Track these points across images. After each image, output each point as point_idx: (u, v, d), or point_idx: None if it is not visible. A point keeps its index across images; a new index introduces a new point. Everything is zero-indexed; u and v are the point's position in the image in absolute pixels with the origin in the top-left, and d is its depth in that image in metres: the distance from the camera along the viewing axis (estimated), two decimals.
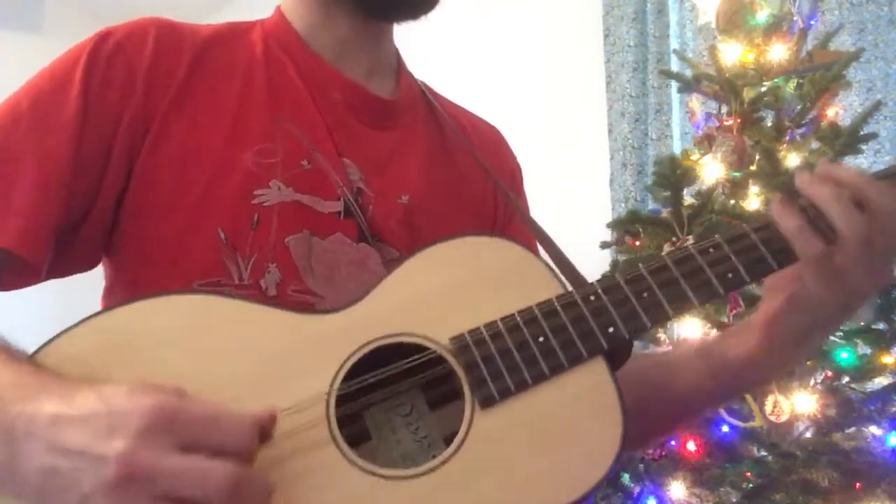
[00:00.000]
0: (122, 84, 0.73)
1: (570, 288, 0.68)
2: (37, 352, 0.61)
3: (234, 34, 0.84)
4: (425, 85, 0.95)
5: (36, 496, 0.51)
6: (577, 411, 0.62)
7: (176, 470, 0.49)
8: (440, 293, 0.66)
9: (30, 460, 0.51)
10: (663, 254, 0.69)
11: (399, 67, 0.92)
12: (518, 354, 0.63)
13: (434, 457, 0.61)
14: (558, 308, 0.65)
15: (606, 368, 0.64)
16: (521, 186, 1.00)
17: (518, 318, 0.64)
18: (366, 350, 0.63)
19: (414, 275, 0.67)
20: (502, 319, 0.64)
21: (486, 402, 0.61)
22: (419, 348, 0.64)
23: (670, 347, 1.63)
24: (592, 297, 0.66)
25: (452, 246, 0.69)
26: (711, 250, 0.67)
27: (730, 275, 0.66)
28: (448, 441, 0.62)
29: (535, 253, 0.72)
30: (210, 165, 0.74)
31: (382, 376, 0.63)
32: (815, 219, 0.66)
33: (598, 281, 0.68)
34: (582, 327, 0.64)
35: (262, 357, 0.62)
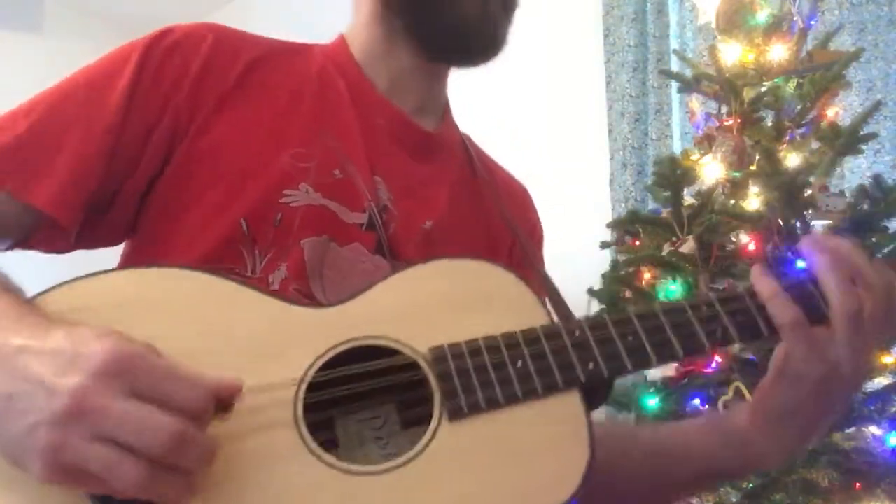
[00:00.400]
0: (174, 77, 0.77)
1: (558, 321, 0.68)
2: (35, 298, 0.62)
3: (293, 52, 0.88)
4: (467, 135, 0.99)
5: None
6: (543, 438, 0.62)
7: (121, 413, 0.50)
8: (429, 306, 0.67)
9: None
10: (656, 305, 0.69)
11: (445, 112, 0.96)
12: (493, 373, 0.63)
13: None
14: (541, 336, 0.65)
15: (580, 401, 0.64)
16: (541, 245, 1.02)
17: (500, 340, 0.65)
18: (346, 346, 0.63)
19: (409, 284, 0.68)
20: (484, 338, 0.65)
21: (455, 415, 0.61)
22: (397, 355, 0.64)
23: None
24: (577, 332, 0.66)
25: (452, 264, 0.70)
26: (704, 308, 0.67)
27: (719, 333, 0.67)
28: None
29: (539, 295, 0.73)
30: (246, 160, 0.77)
31: (357, 371, 0.63)
32: (797, 289, 0.66)
33: (585, 318, 0.68)
34: (562, 358, 0.64)
35: (243, 337, 0.62)
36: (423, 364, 0.63)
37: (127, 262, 0.81)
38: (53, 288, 0.62)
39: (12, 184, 0.71)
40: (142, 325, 0.59)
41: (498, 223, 0.93)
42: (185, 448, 0.51)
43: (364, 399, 0.65)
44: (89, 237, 0.78)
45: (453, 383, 0.62)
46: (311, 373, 0.61)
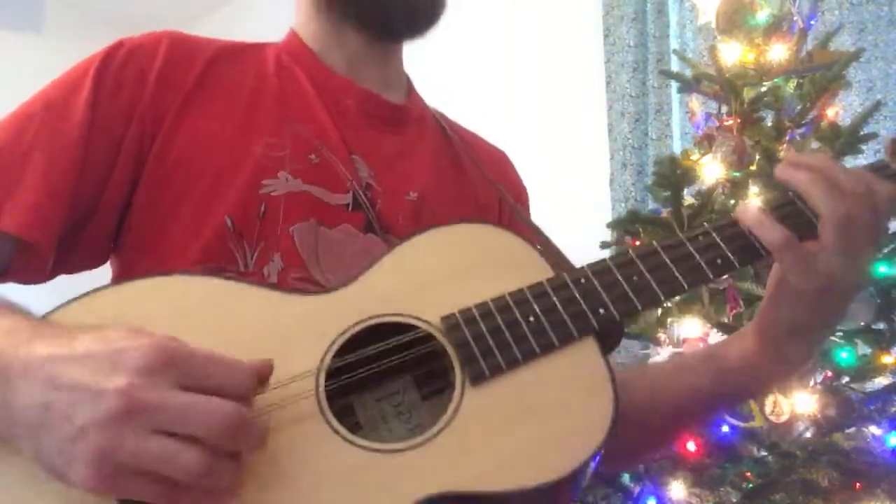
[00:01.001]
0: (133, 86, 0.76)
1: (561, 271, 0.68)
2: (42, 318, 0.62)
3: (247, 49, 0.87)
4: (437, 110, 0.98)
5: (28, 433, 0.52)
6: (568, 388, 0.62)
7: (177, 405, 0.50)
8: (432, 276, 0.67)
9: (25, 398, 0.51)
10: (654, 242, 0.70)
11: (410, 88, 0.96)
12: (508, 333, 0.63)
13: None
14: (549, 290, 0.66)
15: (597, 348, 0.64)
16: (527, 207, 1.01)
17: (509, 299, 0.65)
18: (357, 329, 0.63)
19: (407, 257, 0.68)
20: (493, 300, 0.65)
21: (477, 380, 0.61)
22: (411, 328, 0.64)
23: (672, 348, 1.63)
24: (583, 280, 0.66)
25: (446, 231, 0.69)
26: (701, 237, 0.68)
27: (719, 260, 0.67)
28: None
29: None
30: (219, 158, 0.76)
31: (373, 352, 0.63)
32: (785, 209, 0.68)
33: (588, 265, 0.68)
34: (573, 308, 0.65)
35: (257, 334, 0.62)
36: (437, 335, 0.63)
37: (121, 277, 0.80)
38: (60, 306, 0.62)
39: None
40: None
41: (483, 186, 0.92)
42: (241, 431, 0.51)
43: (380, 376, 0.64)
44: (69, 261, 0.76)
45: (471, 349, 0.62)
46: (328, 360, 0.61)
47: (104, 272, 0.81)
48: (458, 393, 0.61)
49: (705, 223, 0.70)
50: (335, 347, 0.62)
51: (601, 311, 0.65)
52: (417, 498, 0.56)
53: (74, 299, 0.62)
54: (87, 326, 0.55)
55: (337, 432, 0.59)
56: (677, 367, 0.85)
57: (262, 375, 0.56)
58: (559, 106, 2.79)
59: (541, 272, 0.67)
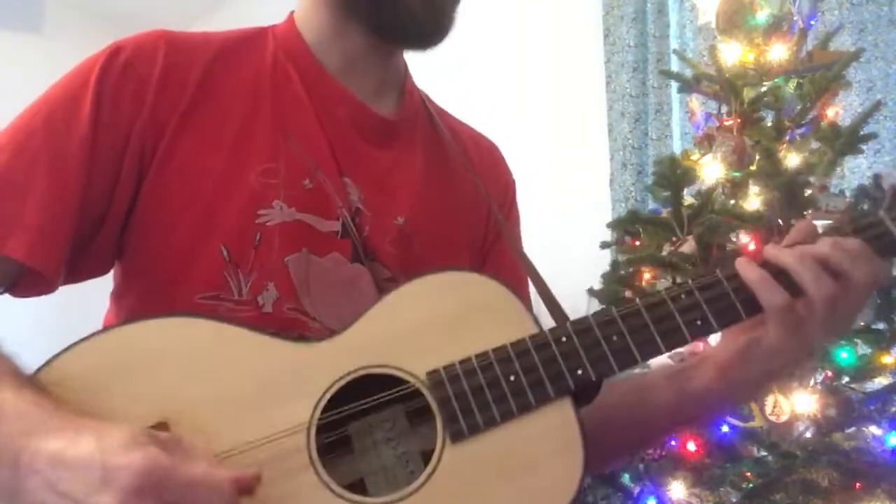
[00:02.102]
0: (133, 98, 0.76)
1: (544, 328, 0.71)
2: (41, 368, 0.65)
3: (245, 44, 0.86)
4: (428, 98, 0.97)
5: None
6: (540, 449, 0.66)
7: None
8: (420, 327, 0.69)
9: (30, 493, 0.55)
10: (637, 300, 0.72)
11: (405, 83, 0.94)
12: (489, 392, 0.66)
13: (411, 472, 0.67)
14: (531, 348, 0.68)
15: (572, 409, 0.67)
16: (514, 200, 1.02)
17: (492, 356, 0.68)
18: (347, 380, 0.66)
19: (397, 307, 0.71)
20: (477, 357, 0.68)
21: (456, 437, 0.65)
22: (398, 381, 0.67)
23: (667, 357, 1.63)
24: (564, 339, 0.69)
25: (434, 281, 0.72)
26: (683, 297, 0.71)
27: (698, 322, 0.70)
28: (424, 456, 0.67)
29: (518, 277, 0.76)
30: (215, 183, 0.77)
31: (359, 409, 0.67)
32: (779, 278, 0.69)
33: (571, 322, 0.71)
34: (552, 368, 0.68)
35: (251, 382, 0.66)
36: (424, 391, 0.67)
37: (121, 286, 0.82)
38: (63, 352, 0.65)
39: None
40: (152, 380, 0.64)
41: (472, 196, 0.93)
42: None
43: (373, 407, 0.68)
44: (75, 272, 0.78)
45: (452, 407, 0.66)
46: (318, 414, 0.65)
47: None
48: (439, 449, 0.65)
49: (690, 281, 0.72)
50: (325, 400, 0.65)
51: (579, 372, 0.68)
52: None
53: (81, 341, 0.65)
54: (90, 421, 0.58)
55: (328, 486, 0.62)
56: (643, 383, 0.87)
57: (248, 487, 0.58)
58: (559, 106, 2.79)
59: (524, 325, 0.70)
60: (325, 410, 0.65)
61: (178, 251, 0.76)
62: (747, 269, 0.70)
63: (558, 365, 0.68)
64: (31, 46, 3.64)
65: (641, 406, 0.83)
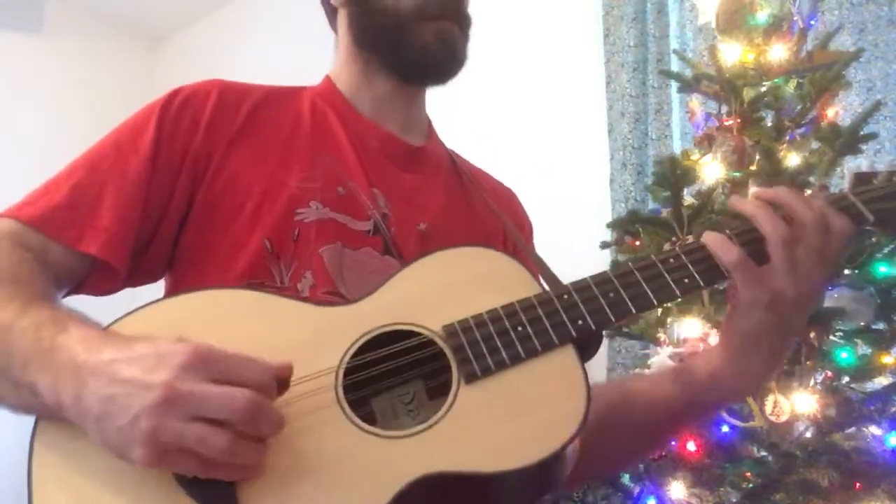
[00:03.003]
0: (188, 129, 0.90)
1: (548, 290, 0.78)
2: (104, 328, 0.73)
3: (287, 94, 1.00)
4: (451, 150, 1.10)
5: (95, 420, 0.63)
6: (547, 387, 0.72)
7: (206, 395, 0.60)
8: (437, 291, 0.77)
9: (93, 392, 0.63)
10: (629, 263, 0.79)
11: (430, 130, 1.08)
12: (498, 339, 0.73)
13: None
14: (535, 303, 0.76)
15: (574, 354, 0.74)
16: (531, 238, 1.10)
17: (500, 311, 0.75)
18: (372, 335, 0.74)
19: (415, 275, 0.79)
20: (487, 312, 0.75)
21: (470, 378, 0.71)
22: (417, 335, 0.75)
23: (671, 349, 1.63)
24: (566, 296, 0.77)
25: (450, 253, 0.80)
26: (671, 260, 0.79)
27: (686, 280, 0.78)
28: None
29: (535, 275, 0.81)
30: (261, 189, 0.89)
31: (383, 353, 0.73)
32: (744, 236, 0.78)
33: (571, 283, 0.78)
34: (555, 319, 0.75)
35: (285, 341, 0.73)
36: (438, 340, 0.74)
37: (172, 290, 0.91)
38: (123, 316, 0.73)
39: (67, 237, 0.82)
40: (201, 340, 0.68)
41: (489, 220, 1.03)
42: (260, 415, 0.62)
43: (394, 378, 0.75)
44: (133, 277, 0.89)
45: (466, 352, 0.72)
46: (346, 359, 0.72)
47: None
48: (454, 390, 0.71)
49: (676, 247, 0.79)
50: (353, 350, 0.73)
51: (580, 322, 0.75)
52: (414, 476, 0.66)
53: (134, 310, 0.74)
54: (143, 336, 0.67)
55: (350, 419, 0.69)
56: (649, 380, 0.93)
57: (281, 376, 0.66)
58: (559, 106, 2.79)
59: (531, 289, 0.77)
60: (352, 361, 0.72)
61: (228, 247, 0.87)
62: (707, 235, 0.79)
63: (560, 316, 0.75)
64: (31, 46, 3.64)
65: (650, 406, 0.88)
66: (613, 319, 0.76)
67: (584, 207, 2.58)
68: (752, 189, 0.81)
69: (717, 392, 0.85)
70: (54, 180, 0.87)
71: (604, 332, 0.78)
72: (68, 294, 0.86)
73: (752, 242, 0.77)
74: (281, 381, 0.66)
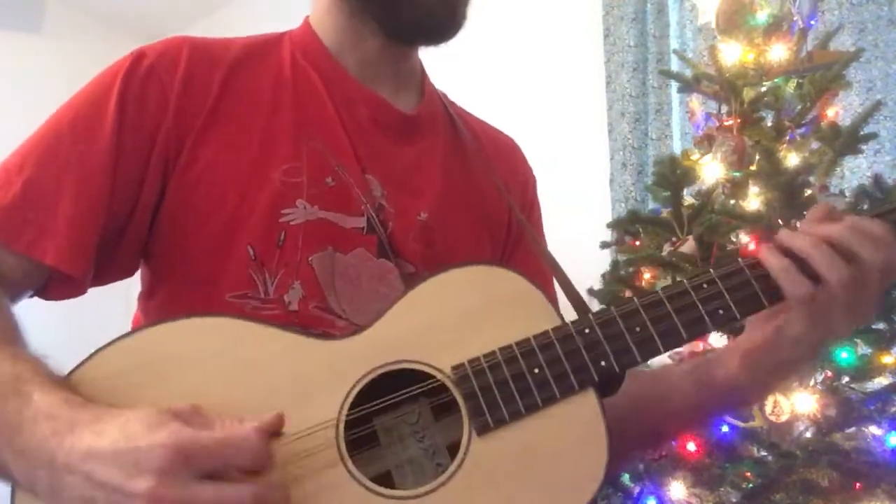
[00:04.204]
0: (156, 104, 0.78)
1: (567, 320, 0.71)
2: (72, 372, 0.66)
3: (264, 48, 0.88)
4: (446, 98, 0.99)
5: None
6: (565, 441, 0.66)
7: (200, 500, 0.54)
8: (444, 322, 0.70)
9: (70, 490, 0.57)
10: (658, 289, 0.71)
11: (423, 81, 0.96)
12: (513, 385, 0.67)
13: (438, 464, 0.68)
14: (554, 340, 0.68)
15: (596, 400, 0.67)
16: (535, 196, 1.03)
17: (516, 350, 0.68)
18: (373, 375, 0.67)
19: (422, 302, 0.71)
20: (501, 350, 0.68)
21: (483, 430, 0.65)
22: (424, 375, 0.68)
23: (667, 357, 1.63)
24: (587, 331, 0.69)
25: (459, 274, 0.72)
26: (706, 286, 0.70)
27: (721, 311, 0.69)
28: (450, 448, 0.67)
29: (543, 275, 0.77)
30: (240, 184, 0.78)
31: (386, 403, 0.67)
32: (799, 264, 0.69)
33: (594, 313, 0.71)
34: (575, 360, 0.68)
35: (278, 380, 0.66)
36: (450, 385, 0.67)
37: (149, 287, 0.83)
38: (90, 358, 0.66)
39: (19, 244, 0.73)
40: (179, 381, 0.64)
41: (493, 194, 0.94)
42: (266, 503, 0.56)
43: (399, 401, 0.69)
44: (102, 275, 0.79)
45: (479, 401, 0.66)
46: (346, 409, 0.65)
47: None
48: (465, 442, 0.65)
49: (711, 269, 0.71)
50: (352, 396, 0.66)
51: (602, 363, 0.68)
52: None
53: (106, 345, 0.66)
54: (113, 409, 0.60)
55: (358, 481, 0.63)
56: (662, 379, 0.88)
57: (273, 430, 0.60)
58: (559, 106, 2.79)
59: (547, 318, 0.70)
60: (352, 406, 0.66)
61: (207, 251, 0.78)
62: (770, 258, 0.69)
63: (581, 357, 0.68)
64: (31, 46, 3.63)
65: (659, 401, 0.83)
66: (640, 360, 0.69)
67: (584, 207, 2.58)
68: (810, 219, 0.73)
69: (728, 401, 0.82)
70: (4, 172, 0.75)
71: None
72: (31, 296, 0.77)
73: (808, 273, 0.69)
74: (274, 435, 0.60)
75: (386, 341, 0.69)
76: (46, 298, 0.78)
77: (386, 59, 0.89)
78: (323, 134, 0.83)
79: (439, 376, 0.67)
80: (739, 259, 0.71)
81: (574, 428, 0.66)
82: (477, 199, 0.93)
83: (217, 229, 0.78)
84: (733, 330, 1.50)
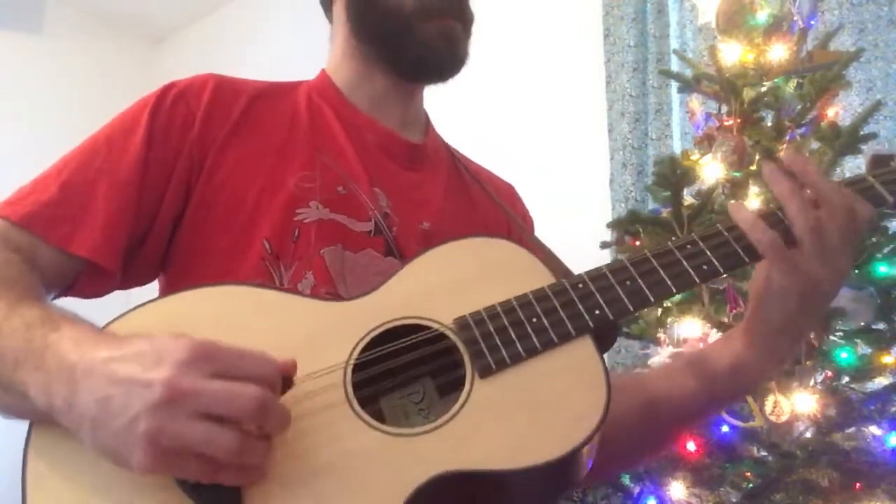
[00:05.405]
0: (182, 122, 0.87)
1: (562, 279, 0.75)
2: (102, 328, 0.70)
3: (282, 89, 0.98)
4: (450, 145, 1.08)
5: (91, 424, 0.59)
6: (565, 380, 0.68)
7: (211, 391, 0.57)
8: (446, 284, 0.74)
9: (88, 393, 0.59)
10: (646, 251, 0.76)
11: (428, 126, 1.05)
12: (513, 331, 0.70)
13: None
14: (549, 294, 0.73)
15: (593, 345, 0.70)
16: (533, 233, 1.06)
17: (514, 302, 0.72)
18: (381, 329, 0.71)
19: (424, 268, 0.76)
20: (500, 303, 0.72)
21: (484, 372, 0.68)
22: (427, 329, 0.71)
23: (671, 349, 1.63)
24: (580, 285, 0.74)
25: (458, 244, 0.77)
26: (688, 246, 0.75)
27: (704, 266, 0.74)
28: None
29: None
30: (258, 187, 0.86)
31: (395, 347, 0.70)
32: (771, 218, 0.74)
33: (586, 272, 0.75)
34: (571, 309, 0.72)
35: (291, 336, 0.70)
36: (450, 334, 0.71)
37: (167, 292, 0.87)
38: (116, 319, 0.70)
39: (55, 237, 0.79)
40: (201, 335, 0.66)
41: (493, 215, 1.01)
42: (267, 412, 0.59)
43: (403, 376, 0.72)
44: (125, 278, 0.85)
45: (479, 346, 0.69)
46: (355, 355, 0.69)
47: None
48: (468, 384, 0.68)
49: (693, 233, 0.75)
50: (361, 345, 0.70)
51: (597, 311, 0.72)
52: (429, 475, 0.62)
53: (130, 310, 0.71)
54: (138, 333, 0.63)
55: (360, 417, 0.66)
56: (667, 374, 0.90)
57: (286, 372, 0.63)
58: (559, 106, 2.79)
59: (543, 278, 0.74)
60: (359, 366, 0.69)
61: (225, 248, 0.84)
62: (737, 211, 0.74)
63: (576, 306, 0.71)
64: (31, 46, 3.63)
65: (673, 411, 0.85)
66: (632, 308, 0.72)
67: (584, 207, 2.58)
68: (785, 154, 0.78)
69: (740, 383, 0.83)
70: (44, 176, 0.83)
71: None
72: (59, 296, 0.82)
73: (777, 225, 0.73)
74: (286, 378, 0.63)
75: (392, 301, 0.73)
76: (75, 294, 0.83)
77: (394, 98, 0.98)
78: (334, 153, 0.92)
79: (440, 327, 0.71)
80: (718, 224, 0.76)
81: (573, 369, 0.69)
82: (478, 217, 1.00)
83: (236, 228, 0.84)
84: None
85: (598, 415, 0.65)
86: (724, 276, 0.75)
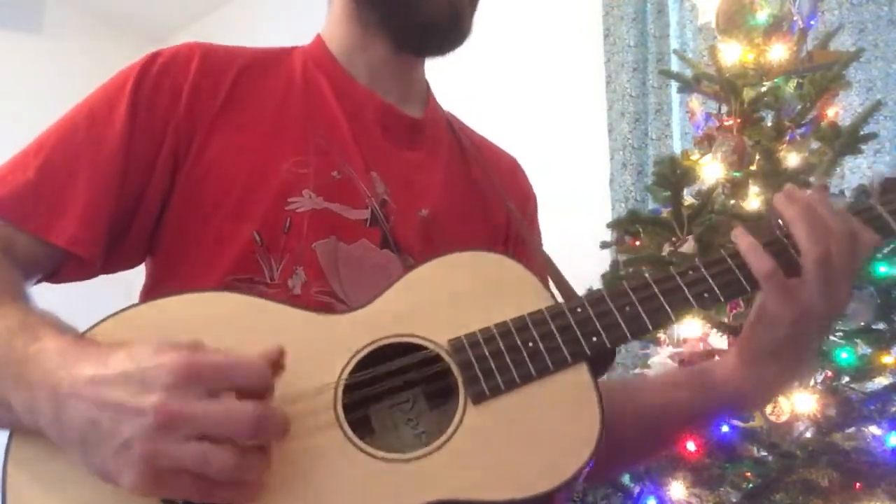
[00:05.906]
0: (168, 98, 0.81)
1: (560, 301, 0.73)
2: (84, 332, 0.67)
3: (275, 57, 0.91)
4: (451, 114, 1.02)
5: (80, 444, 0.58)
6: (559, 409, 0.67)
7: (204, 414, 0.55)
8: (442, 300, 0.72)
9: (75, 414, 0.57)
10: (647, 275, 0.74)
11: (428, 96, 0.99)
12: (508, 356, 0.68)
13: None
14: (547, 317, 0.71)
15: (588, 372, 0.69)
16: (535, 214, 1.05)
17: (510, 325, 0.70)
18: (373, 347, 0.69)
19: (418, 284, 0.73)
20: (496, 325, 0.70)
21: (478, 398, 0.67)
22: (421, 349, 0.69)
23: (671, 349, 1.63)
24: (579, 309, 0.72)
25: (455, 258, 0.75)
26: (690, 272, 0.74)
27: (705, 294, 0.73)
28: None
29: (540, 275, 0.77)
30: (249, 173, 0.81)
31: (385, 371, 0.68)
32: (775, 246, 0.73)
33: (584, 295, 0.74)
34: (568, 335, 0.70)
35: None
36: (445, 356, 0.69)
37: (153, 280, 0.85)
38: (99, 322, 0.68)
39: (32, 225, 0.75)
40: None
41: (493, 200, 0.96)
42: (265, 425, 0.57)
43: (393, 388, 0.70)
44: (110, 262, 0.81)
45: (474, 370, 0.68)
46: (345, 376, 0.67)
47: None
48: (461, 410, 0.66)
49: (696, 260, 0.75)
50: (352, 365, 0.68)
51: (594, 338, 0.70)
52: (420, 503, 0.61)
53: (111, 315, 0.68)
54: (120, 343, 0.61)
55: (351, 441, 0.64)
56: (661, 387, 0.89)
57: (275, 363, 0.61)
58: (559, 106, 2.79)
59: (541, 299, 0.73)
60: (351, 378, 0.68)
61: (213, 237, 0.80)
62: (739, 237, 0.73)
63: (574, 331, 0.70)
64: (31, 46, 3.63)
65: (662, 415, 0.85)
66: (630, 336, 0.71)
67: (584, 207, 2.58)
68: (788, 188, 0.77)
69: (732, 401, 0.82)
70: (22, 154, 0.79)
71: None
72: (42, 281, 0.79)
73: (781, 253, 0.72)
74: (276, 367, 0.61)
75: (384, 317, 0.71)
76: (57, 282, 0.80)
77: (393, 68, 0.92)
78: (330, 134, 0.86)
79: (434, 347, 0.69)
80: (722, 250, 0.75)
81: (567, 398, 0.68)
82: (477, 201, 0.96)
83: (224, 215, 0.80)
84: (735, 333, 1.50)
85: (590, 448, 0.65)
86: (724, 303, 0.75)
